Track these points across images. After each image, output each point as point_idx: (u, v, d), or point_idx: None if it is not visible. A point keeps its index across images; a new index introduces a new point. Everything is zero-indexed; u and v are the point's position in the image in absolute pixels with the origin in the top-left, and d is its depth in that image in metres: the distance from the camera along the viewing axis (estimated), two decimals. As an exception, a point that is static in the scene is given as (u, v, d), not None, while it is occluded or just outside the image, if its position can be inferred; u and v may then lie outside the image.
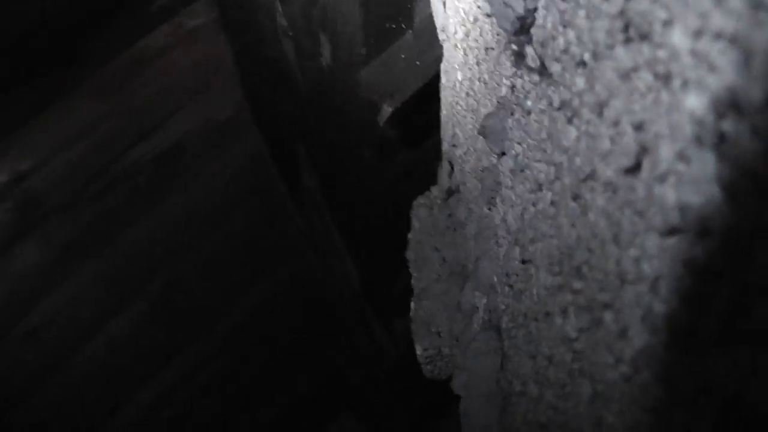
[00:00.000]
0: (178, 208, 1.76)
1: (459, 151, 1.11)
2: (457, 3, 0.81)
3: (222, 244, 1.95)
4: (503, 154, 0.76)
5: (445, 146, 1.24)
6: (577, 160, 0.47)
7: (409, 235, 1.32)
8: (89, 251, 1.69)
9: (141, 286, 1.86)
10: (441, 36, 1.03)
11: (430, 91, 1.29)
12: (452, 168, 1.18)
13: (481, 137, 0.87)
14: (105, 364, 1.97)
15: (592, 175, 0.45)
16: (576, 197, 0.48)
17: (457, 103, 1.05)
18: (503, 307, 0.85)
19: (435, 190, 1.30)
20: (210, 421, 2.66)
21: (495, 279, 0.89)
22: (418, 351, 1.20)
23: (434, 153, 1.50)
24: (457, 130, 1.10)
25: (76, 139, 1.46)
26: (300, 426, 3.61)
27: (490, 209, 0.88)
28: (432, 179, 1.47)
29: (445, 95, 1.20)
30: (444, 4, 0.94)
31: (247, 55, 1.54)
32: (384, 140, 1.38)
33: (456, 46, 0.93)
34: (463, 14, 0.81)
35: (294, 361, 2.88)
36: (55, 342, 1.80)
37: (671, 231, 0.34)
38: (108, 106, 1.46)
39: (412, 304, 1.25)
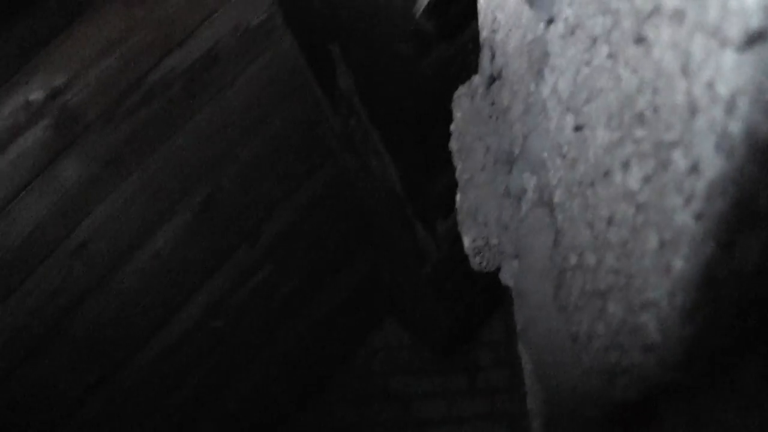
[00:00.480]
0: (215, 116, 1.76)
1: (500, 35, 1.08)
2: None
3: (260, 151, 1.95)
4: (551, 21, 0.73)
5: (484, 34, 1.21)
6: (638, 1, 0.45)
7: (452, 127, 1.29)
8: (130, 164, 1.70)
9: (183, 197, 1.88)
10: None
11: (465, -18, 1.25)
12: (493, 54, 1.15)
13: (526, 9, 0.84)
14: (152, 276, 2.00)
15: (656, 10, 0.43)
16: (638, 40, 0.46)
17: (497, -16, 1.02)
18: (555, 181, 0.84)
19: (476, 80, 1.28)
20: (256, 328, 2.72)
21: (545, 154, 0.88)
22: (466, 243, 1.19)
23: (471, 45, 1.46)
24: (498, 14, 1.06)
25: (107, 52, 1.45)
26: (344, 333, 3.69)
27: (537, 84, 0.86)
28: (470, 72, 1.45)
29: (483, -21, 1.16)
30: None
31: (276, -45, 1.50)
32: (420, 34, 1.35)
33: None
34: None
35: (336, 267, 2.92)
36: (103, 255, 1.83)
37: (751, 39, 0.32)
38: (137, 16, 1.44)
39: (458, 196, 1.24)
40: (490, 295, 3.54)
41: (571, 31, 0.66)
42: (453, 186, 2.15)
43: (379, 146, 1.83)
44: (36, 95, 1.39)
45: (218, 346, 2.54)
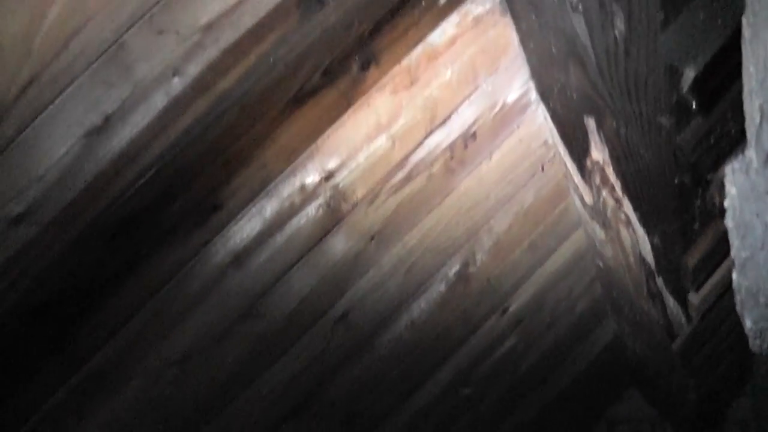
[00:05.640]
0: (471, 191, 1.82)
1: (783, 108, 1.05)
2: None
3: (512, 223, 1.99)
4: None
5: (758, 103, 1.18)
6: None
7: (726, 203, 1.26)
8: (391, 239, 1.79)
9: (439, 268, 1.95)
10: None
11: (727, 51, 1.24)
12: (773, 126, 1.12)
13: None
14: (407, 344, 2.08)
15: None
16: None
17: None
18: None
19: (750, 153, 1.24)
20: (501, 398, 2.73)
21: None
22: (747, 324, 1.15)
23: (730, 114, 1.43)
24: (780, 84, 1.04)
25: (376, 135, 1.55)
26: (585, 403, 3.60)
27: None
28: (729, 142, 1.40)
29: (755, 48, 1.14)
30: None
31: (533, 35, 1.55)
32: (681, 106, 1.34)
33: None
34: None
35: (579, 337, 2.88)
36: (362, 325, 1.93)
37: None
38: (404, 100, 1.53)
39: (735, 275, 1.20)
40: (738, 371, 3.34)
41: None
42: (707, 258, 2.07)
43: (631, 217, 1.81)
44: (311, 178, 1.51)
45: (465, 414, 2.57)
